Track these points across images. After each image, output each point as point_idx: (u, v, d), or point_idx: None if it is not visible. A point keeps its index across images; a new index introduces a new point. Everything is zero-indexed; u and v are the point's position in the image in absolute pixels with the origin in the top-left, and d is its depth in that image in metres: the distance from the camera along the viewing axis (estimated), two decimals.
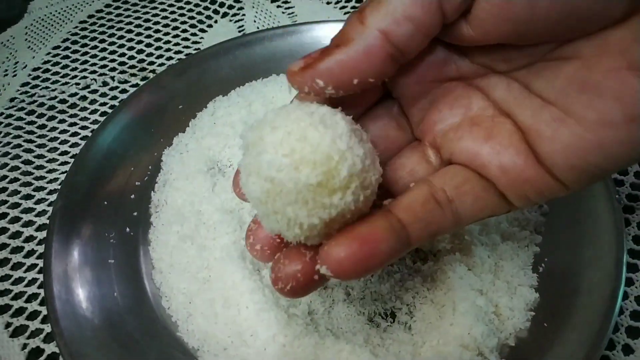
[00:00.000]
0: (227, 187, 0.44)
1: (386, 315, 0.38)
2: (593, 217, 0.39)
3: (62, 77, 0.60)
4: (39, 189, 0.49)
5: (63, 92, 0.58)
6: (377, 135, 0.27)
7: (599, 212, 0.39)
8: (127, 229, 0.44)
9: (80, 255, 0.41)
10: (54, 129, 0.54)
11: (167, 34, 0.64)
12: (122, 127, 0.49)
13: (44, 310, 0.41)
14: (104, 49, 0.63)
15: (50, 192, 0.49)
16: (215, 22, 0.65)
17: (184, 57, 0.61)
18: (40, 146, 0.53)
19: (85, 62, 0.61)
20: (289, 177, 0.21)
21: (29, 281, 0.43)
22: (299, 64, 0.22)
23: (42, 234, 0.46)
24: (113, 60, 0.61)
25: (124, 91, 0.58)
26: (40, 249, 0.45)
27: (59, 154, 0.52)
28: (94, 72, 0.60)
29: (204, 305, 0.38)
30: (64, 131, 0.54)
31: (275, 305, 0.37)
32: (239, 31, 0.63)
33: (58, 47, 0.63)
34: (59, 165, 0.51)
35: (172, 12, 0.66)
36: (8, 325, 0.41)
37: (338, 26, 0.24)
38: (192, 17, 0.65)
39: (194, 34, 0.63)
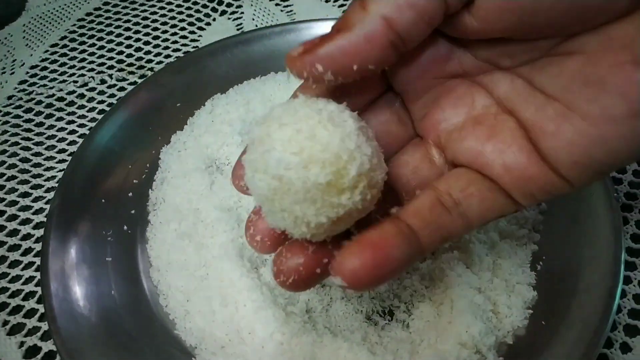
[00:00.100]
0: (225, 185, 0.44)
1: (384, 313, 0.38)
2: (591, 216, 0.39)
3: (60, 75, 0.60)
4: (37, 186, 0.49)
5: (61, 90, 0.58)
6: (379, 130, 0.27)
7: (597, 211, 0.39)
8: (125, 227, 0.44)
9: (78, 253, 0.41)
10: (51, 126, 0.54)
11: (165, 31, 0.64)
12: (120, 125, 0.48)
13: (41, 309, 0.41)
14: (102, 47, 0.62)
15: (48, 190, 0.49)
16: (214, 20, 0.65)
17: (182, 55, 0.60)
18: (38, 144, 0.53)
19: (83, 60, 0.61)
20: (297, 175, 0.21)
21: (26, 279, 0.43)
22: (298, 49, 0.22)
23: (39, 232, 0.46)
24: (111, 58, 0.61)
25: (122, 89, 0.57)
26: (38, 247, 0.45)
27: (57, 152, 0.52)
28: (92, 70, 0.60)
29: (202, 303, 0.38)
30: (61, 129, 0.54)
31: (273, 303, 0.37)
32: (238, 29, 0.63)
33: (56, 45, 0.63)
34: (57, 163, 0.51)
35: (171, 10, 0.66)
36: (5, 323, 0.41)
37: None
38: (190, 15, 0.65)
39: (192, 32, 0.63)
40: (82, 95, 0.57)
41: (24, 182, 0.50)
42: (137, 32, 0.64)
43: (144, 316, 0.39)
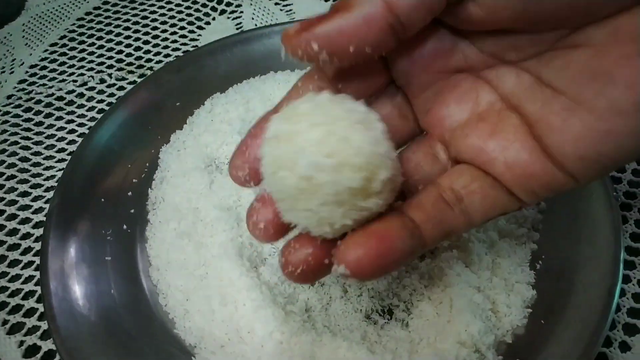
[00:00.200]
0: (224, 184, 0.44)
1: (383, 312, 0.38)
2: (590, 215, 0.39)
3: (60, 74, 0.60)
4: (36, 186, 0.49)
5: (60, 89, 0.58)
6: None
7: (596, 210, 0.39)
8: (124, 226, 0.44)
9: (77, 252, 0.41)
10: (51, 126, 0.54)
11: (164, 31, 0.64)
12: (119, 124, 0.48)
13: (40, 308, 0.41)
14: (101, 46, 0.62)
15: (48, 190, 0.49)
16: (213, 19, 0.65)
17: (182, 54, 0.60)
18: (37, 143, 0.53)
19: (83, 59, 0.61)
20: (328, 178, 0.20)
21: (26, 278, 0.43)
22: (295, 27, 0.22)
23: (39, 231, 0.46)
24: (110, 58, 0.61)
25: (121, 88, 0.57)
26: (37, 246, 0.45)
27: (56, 151, 0.52)
28: (91, 69, 0.60)
29: (201, 302, 0.38)
30: (61, 128, 0.54)
31: (273, 303, 0.37)
32: (237, 28, 0.63)
33: (55, 44, 0.63)
34: (56, 162, 0.51)
35: (170, 9, 0.66)
36: (5, 322, 0.41)
37: None
38: (189, 14, 0.65)
39: (191, 31, 0.63)
40: (81, 95, 0.57)
41: (23, 181, 0.50)
42: (136, 31, 0.64)
43: (144, 315, 0.39)
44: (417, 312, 0.37)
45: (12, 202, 0.48)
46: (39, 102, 0.57)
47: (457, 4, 0.22)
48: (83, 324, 0.37)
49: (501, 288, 0.37)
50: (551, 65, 0.22)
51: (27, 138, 0.53)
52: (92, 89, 0.58)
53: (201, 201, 0.43)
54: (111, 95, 0.57)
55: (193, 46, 0.61)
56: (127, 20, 0.65)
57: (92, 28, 0.65)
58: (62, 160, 0.51)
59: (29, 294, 0.42)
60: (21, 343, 0.39)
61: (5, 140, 0.53)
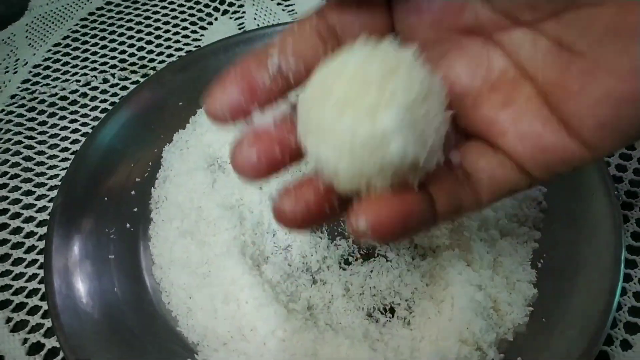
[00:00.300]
0: (227, 183, 0.44)
1: (385, 310, 0.38)
2: (592, 214, 0.39)
3: (63, 74, 0.60)
4: (40, 185, 0.50)
5: (64, 89, 0.58)
6: None
7: (597, 209, 0.39)
8: (128, 225, 0.44)
9: (81, 251, 0.41)
10: (54, 125, 0.55)
11: (167, 31, 0.64)
12: (122, 123, 0.49)
13: (44, 306, 0.41)
14: (104, 46, 0.63)
15: (51, 189, 0.49)
16: (216, 19, 0.65)
17: (185, 54, 0.61)
18: (40, 143, 0.53)
19: (86, 59, 0.61)
20: (376, 156, 0.20)
21: (30, 276, 0.43)
22: None
23: (42, 230, 0.46)
24: (114, 57, 0.61)
25: (124, 88, 0.58)
26: (41, 244, 0.45)
27: (60, 151, 0.52)
28: (94, 69, 0.60)
29: (204, 300, 0.38)
30: (64, 128, 0.54)
31: (275, 301, 0.37)
32: (239, 28, 0.63)
33: (59, 44, 0.63)
34: (60, 161, 0.51)
35: (173, 10, 0.66)
36: (9, 320, 0.41)
37: None
38: (192, 15, 0.65)
39: (194, 31, 0.64)
40: (84, 95, 0.57)
41: (27, 180, 0.50)
42: (139, 31, 0.64)
43: (147, 313, 0.39)
44: (418, 311, 0.37)
45: (16, 201, 0.48)
46: (42, 101, 0.57)
47: None
48: (86, 322, 0.38)
49: (502, 286, 0.37)
50: (571, 26, 0.21)
51: (31, 137, 0.53)
52: (95, 88, 0.58)
53: (204, 200, 0.43)
54: (114, 95, 0.57)
55: (196, 46, 0.62)
56: (130, 20, 0.66)
57: (95, 28, 0.65)
58: (66, 159, 0.51)
59: (32, 292, 0.42)
60: (25, 340, 0.40)
61: (9, 140, 0.53)
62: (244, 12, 0.65)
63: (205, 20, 0.65)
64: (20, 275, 0.43)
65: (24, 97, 0.57)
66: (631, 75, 0.19)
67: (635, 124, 0.20)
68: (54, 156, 0.52)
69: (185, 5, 0.67)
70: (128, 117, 0.49)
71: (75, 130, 0.54)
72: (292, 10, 0.65)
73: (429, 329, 0.36)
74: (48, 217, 0.45)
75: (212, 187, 0.44)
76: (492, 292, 0.37)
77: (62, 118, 0.55)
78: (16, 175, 0.50)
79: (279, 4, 0.65)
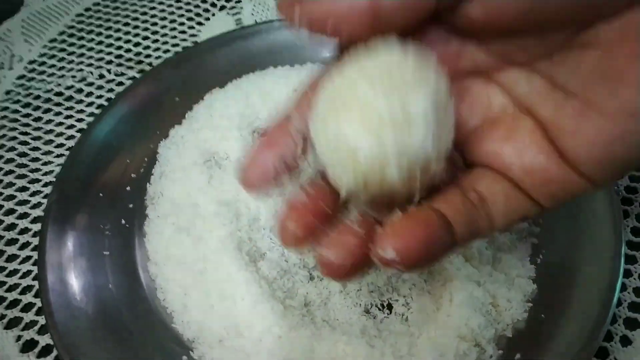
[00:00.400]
0: (223, 179, 0.44)
1: (383, 306, 0.38)
2: (591, 209, 0.39)
3: (59, 69, 0.59)
4: (35, 181, 0.49)
5: (59, 84, 0.57)
6: None
7: (597, 204, 0.39)
8: (123, 221, 0.44)
9: (75, 247, 0.41)
10: (50, 121, 0.54)
11: (164, 26, 0.63)
12: (118, 119, 0.48)
13: (38, 302, 0.41)
14: (100, 42, 0.62)
15: (46, 185, 0.49)
16: (213, 14, 0.64)
17: (181, 49, 0.60)
18: (36, 139, 0.52)
19: (82, 54, 0.61)
20: (379, 183, 0.21)
21: (24, 273, 0.43)
22: None
23: (37, 226, 0.46)
24: (110, 53, 0.61)
25: (120, 84, 0.57)
26: (35, 241, 0.44)
27: (55, 147, 0.52)
28: (90, 64, 0.59)
29: (200, 297, 0.38)
30: (60, 124, 0.54)
31: (271, 297, 0.37)
32: (237, 24, 0.63)
33: (54, 40, 0.63)
34: (55, 157, 0.51)
35: (170, 5, 0.66)
36: (2, 317, 0.40)
37: None
38: (189, 10, 0.65)
39: (191, 27, 0.63)
40: (80, 90, 0.57)
41: (22, 176, 0.49)
42: (135, 27, 0.64)
43: (142, 310, 0.39)
44: (416, 307, 0.37)
45: (11, 197, 0.48)
46: (38, 97, 0.56)
47: (455, 5, 0.22)
48: (81, 319, 0.37)
49: (501, 282, 0.37)
50: (563, 67, 0.22)
51: (26, 133, 0.53)
52: (91, 84, 0.57)
53: (200, 196, 0.43)
54: (110, 90, 0.57)
55: (192, 42, 0.61)
56: (127, 16, 0.65)
57: (91, 24, 0.64)
58: (61, 155, 0.51)
59: (26, 289, 0.42)
60: (19, 338, 0.39)
61: (4, 136, 0.53)
62: (241, 8, 0.64)
63: (202, 15, 0.64)
64: (14, 272, 0.43)
65: (19, 93, 0.57)
66: (621, 116, 0.20)
67: (630, 160, 0.21)
68: (49, 152, 0.51)
69: (182, 1, 0.66)
70: (124, 113, 0.49)
71: (71, 126, 0.53)
72: None
73: (427, 325, 0.35)
74: (43, 214, 0.45)
75: (208, 183, 0.44)
76: (491, 288, 0.37)
77: (58, 114, 0.55)
78: (11, 171, 0.50)
79: None
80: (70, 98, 0.56)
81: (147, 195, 0.45)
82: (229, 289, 0.37)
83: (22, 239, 0.45)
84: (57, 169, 0.49)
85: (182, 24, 0.63)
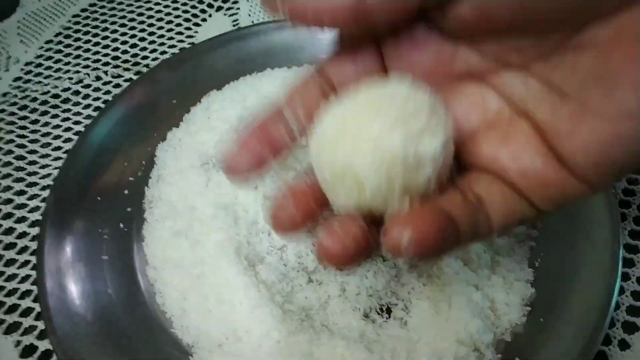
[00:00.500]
0: (221, 182, 0.44)
1: (382, 311, 0.38)
2: (589, 212, 0.39)
3: (55, 71, 0.59)
4: (32, 184, 0.49)
5: (56, 86, 0.57)
6: None
7: (595, 207, 0.38)
8: (121, 225, 0.43)
9: (74, 252, 0.41)
10: (46, 124, 0.54)
11: (160, 28, 0.63)
12: (115, 122, 0.48)
13: (37, 307, 0.41)
14: (97, 43, 0.62)
15: (44, 188, 0.48)
16: (210, 15, 0.64)
17: (178, 51, 0.60)
18: (33, 141, 0.52)
19: (79, 56, 0.60)
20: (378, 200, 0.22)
21: (22, 278, 0.43)
22: None
23: (35, 230, 0.45)
24: (106, 55, 0.60)
25: (117, 86, 0.57)
26: (34, 245, 0.44)
27: (52, 149, 0.52)
28: (87, 66, 0.59)
29: (198, 301, 0.38)
30: (57, 126, 0.54)
31: (270, 301, 0.37)
32: (234, 25, 0.63)
33: (51, 41, 0.62)
34: (52, 160, 0.51)
35: (166, 6, 0.65)
36: (1, 322, 0.40)
37: None
38: (186, 11, 0.65)
39: (188, 28, 0.63)
40: (77, 92, 0.57)
41: (19, 179, 0.49)
42: (132, 28, 0.63)
43: (141, 315, 0.39)
44: (415, 311, 0.37)
45: (8, 201, 0.48)
46: (34, 99, 0.56)
47: (444, 6, 0.22)
48: (80, 324, 0.37)
49: (500, 286, 0.37)
50: (558, 69, 0.22)
51: (23, 136, 0.53)
52: (87, 86, 0.57)
53: (198, 199, 0.43)
54: (107, 92, 0.56)
55: (189, 43, 0.61)
56: (123, 17, 0.65)
57: (87, 25, 0.64)
58: (58, 158, 0.51)
59: (25, 294, 0.42)
60: (18, 343, 0.39)
61: (1, 139, 0.52)
62: (238, 9, 0.64)
63: (199, 16, 0.64)
64: (12, 277, 0.43)
65: (15, 96, 0.56)
66: (617, 118, 0.20)
67: (627, 162, 0.21)
68: (47, 155, 0.51)
69: (179, 2, 0.66)
70: (121, 116, 0.48)
71: (68, 129, 0.53)
72: None
73: (426, 329, 0.35)
74: (40, 217, 0.45)
75: (206, 186, 0.44)
76: (490, 292, 0.37)
77: (55, 116, 0.54)
78: (8, 175, 0.49)
79: None
80: (67, 100, 0.56)
81: (145, 199, 0.45)
82: (227, 293, 0.37)
83: (21, 243, 0.45)
84: (55, 172, 0.49)
85: (179, 25, 0.63)
